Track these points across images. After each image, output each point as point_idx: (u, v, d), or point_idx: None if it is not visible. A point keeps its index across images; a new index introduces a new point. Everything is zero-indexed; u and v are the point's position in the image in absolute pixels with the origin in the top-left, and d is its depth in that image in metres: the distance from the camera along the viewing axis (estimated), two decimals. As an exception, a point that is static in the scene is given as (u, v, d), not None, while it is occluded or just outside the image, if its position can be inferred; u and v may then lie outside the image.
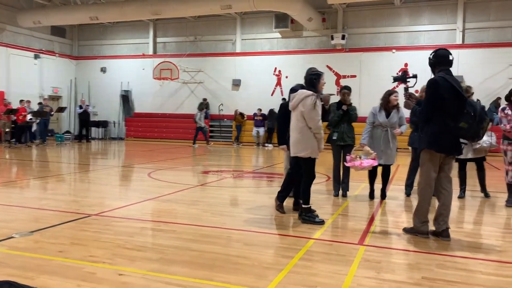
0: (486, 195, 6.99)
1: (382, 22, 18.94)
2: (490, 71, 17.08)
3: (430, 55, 4.56)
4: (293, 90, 5.35)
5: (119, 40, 23.15)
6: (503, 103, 6.55)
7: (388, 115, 6.51)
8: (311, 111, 4.89)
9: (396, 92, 6.65)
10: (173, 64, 20.24)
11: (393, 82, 5.07)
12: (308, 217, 5.05)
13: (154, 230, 4.87)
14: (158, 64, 20.48)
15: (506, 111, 6.20)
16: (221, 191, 7.64)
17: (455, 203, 6.55)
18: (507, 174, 6.30)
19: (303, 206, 5.11)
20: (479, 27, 17.68)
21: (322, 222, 4.99)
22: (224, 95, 21.00)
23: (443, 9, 18.09)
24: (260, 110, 19.38)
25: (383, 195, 6.77)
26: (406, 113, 6.49)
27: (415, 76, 4.84)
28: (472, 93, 6.65)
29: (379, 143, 6.48)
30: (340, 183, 6.95)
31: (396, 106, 6.57)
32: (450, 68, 4.48)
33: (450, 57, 4.45)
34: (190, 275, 3.35)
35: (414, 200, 6.04)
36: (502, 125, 6.20)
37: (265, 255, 3.90)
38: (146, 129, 21.68)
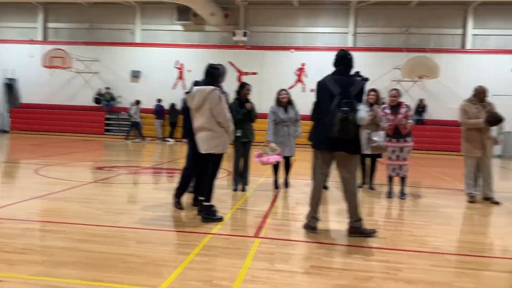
0: (371, 188, 7.65)
1: (282, 22, 19.62)
2: (378, 73, 18.57)
3: None
4: (197, 83, 5.27)
5: (2, 23, 20.98)
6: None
7: (285, 111, 7.10)
8: (218, 105, 4.83)
9: (284, 90, 7.30)
10: (65, 51, 18.85)
11: None
12: (208, 214, 4.97)
13: (40, 231, 4.51)
14: (48, 51, 18.93)
15: (385, 110, 6.83)
16: (117, 188, 7.33)
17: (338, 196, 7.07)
18: (388, 168, 6.93)
19: (205, 204, 5.00)
20: (369, 32, 19.18)
21: (220, 219, 4.98)
22: (122, 87, 20.16)
23: (337, 13, 19.29)
24: (160, 100, 18.92)
25: (286, 184, 7.41)
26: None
27: (365, 79, 5.05)
28: (378, 96, 7.27)
29: (282, 137, 7.10)
30: (240, 178, 7.10)
31: (288, 103, 7.17)
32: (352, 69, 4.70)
33: (335, 60, 4.62)
34: (78, 277, 3.17)
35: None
36: (382, 123, 6.82)
37: (160, 252, 3.83)
38: (35, 121, 19.96)
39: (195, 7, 17.54)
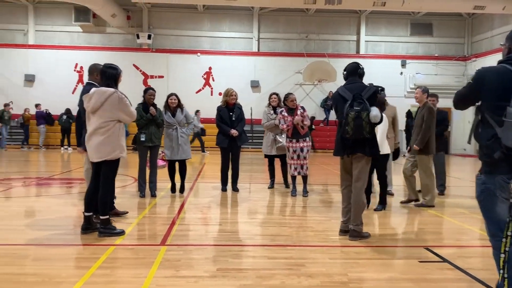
0: (287, 186, 7.98)
1: (186, 25, 19.52)
2: (281, 77, 19.31)
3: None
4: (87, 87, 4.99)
5: None
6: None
7: (173, 115, 7.06)
8: (124, 106, 4.58)
9: (173, 95, 7.22)
10: None
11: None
12: (107, 229, 4.62)
13: None
14: None
15: (283, 113, 7.14)
16: (8, 202, 6.73)
17: (255, 194, 7.23)
18: (290, 167, 7.24)
19: (101, 217, 4.63)
20: (271, 38, 19.82)
21: (122, 233, 4.68)
22: (14, 92, 18.55)
23: (241, 18, 19.67)
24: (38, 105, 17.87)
25: (181, 189, 7.31)
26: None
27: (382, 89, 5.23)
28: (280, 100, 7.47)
29: (171, 141, 7.00)
30: (148, 184, 6.96)
31: (178, 106, 7.12)
32: (361, 79, 4.85)
33: (359, 70, 4.81)
34: (-40, 305, 2.87)
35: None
36: (280, 125, 7.12)
37: (58, 269, 3.59)
38: None
39: (93, 8, 16.74)
